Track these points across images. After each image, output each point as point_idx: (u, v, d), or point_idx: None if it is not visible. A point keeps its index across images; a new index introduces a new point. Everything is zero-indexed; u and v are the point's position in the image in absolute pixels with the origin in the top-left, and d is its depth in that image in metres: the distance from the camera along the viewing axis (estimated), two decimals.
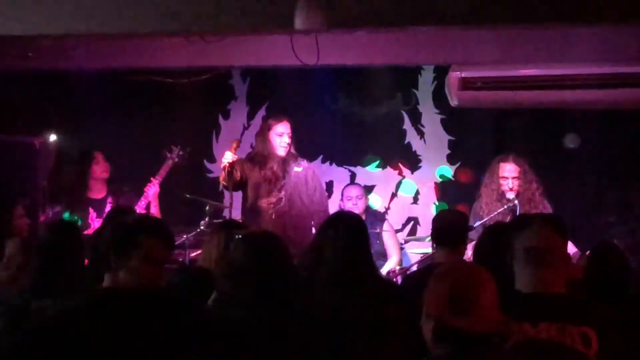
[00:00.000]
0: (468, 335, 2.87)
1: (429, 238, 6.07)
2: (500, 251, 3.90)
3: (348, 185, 8.55)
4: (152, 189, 7.73)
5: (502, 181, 7.50)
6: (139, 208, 7.65)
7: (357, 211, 7.62)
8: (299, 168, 7.50)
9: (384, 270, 7.71)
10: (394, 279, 7.13)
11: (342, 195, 8.38)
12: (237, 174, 7.23)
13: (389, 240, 8.19)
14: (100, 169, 7.87)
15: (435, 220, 5.56)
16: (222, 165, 7.16)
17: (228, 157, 7.15)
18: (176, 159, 7.90)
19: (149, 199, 7.69)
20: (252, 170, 7.42)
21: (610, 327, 3.46)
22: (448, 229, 5.34)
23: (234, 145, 7.26)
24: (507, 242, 3.84)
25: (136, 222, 3.89)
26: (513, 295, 3.54)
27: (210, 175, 9.23)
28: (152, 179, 7.75)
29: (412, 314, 4.25)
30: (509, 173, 7.51)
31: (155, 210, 7.72)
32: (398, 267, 7.87)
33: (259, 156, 7.50)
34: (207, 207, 7.59)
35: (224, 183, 7.38)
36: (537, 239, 3.65)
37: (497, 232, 4.89)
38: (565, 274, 3.62)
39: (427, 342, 2.98)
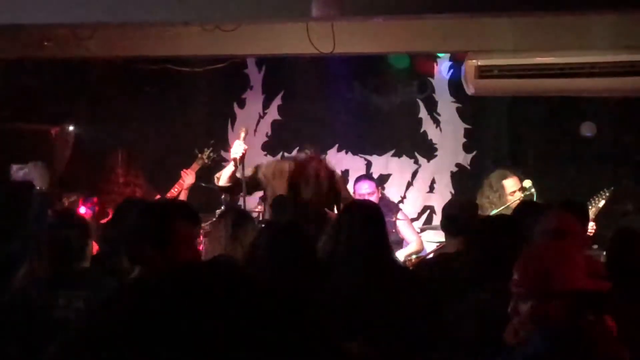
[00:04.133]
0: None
1: None
2: None
3: (359, 180, 8.25)
4: (189, 178, 7.71)
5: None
6: (171, 194, 7.66)
7: None
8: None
9: (403, 254, 7.66)
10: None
11: (354, 190, 8.21)
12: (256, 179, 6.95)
13: (406, 228, 8.12)
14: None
15: (443, 210, 5.57)
16: (232, 157, 6.85)
17: (239, 150, 6.82)
18: (206, 161, 7.90)
19: (183, 188, 7.68)
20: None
21: (629, 316, 3.45)
22: (455, 218, 5.34)
23: (243, 134, 7.03)
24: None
25: (167, 208, 3.83)
26: None
27: (226, 164, 9.22)
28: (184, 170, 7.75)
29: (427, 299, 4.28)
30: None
31: (184, 199, 7.71)
32: (414, 256, 7.84)
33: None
34: (223, 196, 7.59)
35: (220, 184, 7.01)
36: (557, 221, 3.65)
37: None
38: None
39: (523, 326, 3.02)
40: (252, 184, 7.00)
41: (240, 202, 7.09)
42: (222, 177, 6.99)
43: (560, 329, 2.95)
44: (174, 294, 2.17)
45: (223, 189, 7.06)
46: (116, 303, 3.41)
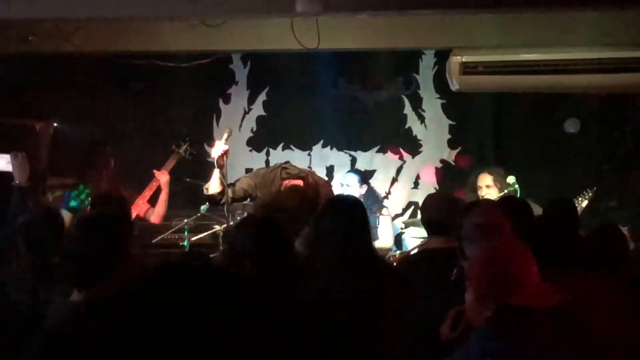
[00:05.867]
0: (527, 310, 2.93)
1: None
2: None
3: (347, 172, 8.43)
4: (164, 177, 7.60)
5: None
6: (149, 190, 7.55)
7: None
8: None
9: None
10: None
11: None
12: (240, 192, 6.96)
13: (384, 225, 8.10)
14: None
15: (422, 208, 5.56)
16: (212, 156, 6.82)
17: (219, 149, 6.75)
18: (184, 155, 7.84)
19: (159, 184, 7.56)
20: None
21: (609, 308, 3.48)
22: (434, 216, 5.34)
23: (226, 135, 7.00)
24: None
25: None
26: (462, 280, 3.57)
27: (211, 159, 9.21)
28: (159, 171, 7.65)
29: (408, 295, 4.29)
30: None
31: (163, 198, 7.61)
32: (398, 252, 7.85)
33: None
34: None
35: (210, 193, 6.92)
36: (485, 215, 3.70)
37: None
38: None
39: (477, 322, 3.04)
40: (242, 196, 7.00)
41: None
42: (212, 185, 6.94)
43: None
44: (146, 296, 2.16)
45: (212, 198, 7.00)
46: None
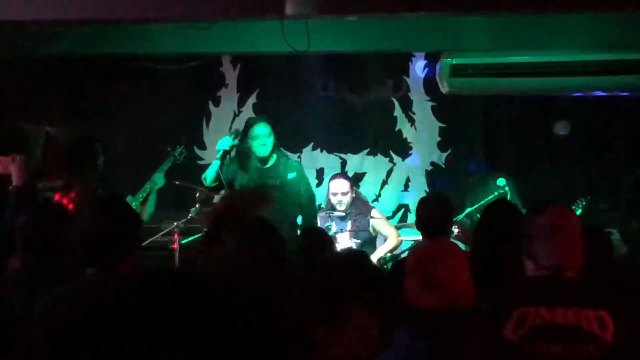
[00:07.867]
0: (431, 312, 2.97)
1: None
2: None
3: (334, 177, 8.07)
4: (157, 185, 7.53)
5: None
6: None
7: (342, 207, 7.63)
8: (292, 174, 7.34)
9: (384, 250, 7.64)
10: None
11: (328, 186, 8.12)
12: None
13: (383, 225, 8.02)
14: None
15: (417, 210, 5.56)
16: (217, 149, 6.89)
17: (226, 143, 6.89)
18: (178, 158, 7.80)
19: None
20: (238, 171, 7.22)
21: (624, 311, 3.47)
22: (429, 218, 5.33)
23: (236, 132, 7.07)
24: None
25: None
26: (528, 280, 3.56)
27: (201, 162, 9.20)
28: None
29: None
30: None
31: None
32: (389, 255, 7.82)
33: (243, 157, 7.29)
34: (197, 194, 7.57)
35: (210, 184, 7.11)
36: (561, 216, 3.65)
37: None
38: (582, 256, 3.61)
39: None
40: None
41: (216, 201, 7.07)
42: (209, 177, 7.00)
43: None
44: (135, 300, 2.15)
45: (210, 189, 7.04)
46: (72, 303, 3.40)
